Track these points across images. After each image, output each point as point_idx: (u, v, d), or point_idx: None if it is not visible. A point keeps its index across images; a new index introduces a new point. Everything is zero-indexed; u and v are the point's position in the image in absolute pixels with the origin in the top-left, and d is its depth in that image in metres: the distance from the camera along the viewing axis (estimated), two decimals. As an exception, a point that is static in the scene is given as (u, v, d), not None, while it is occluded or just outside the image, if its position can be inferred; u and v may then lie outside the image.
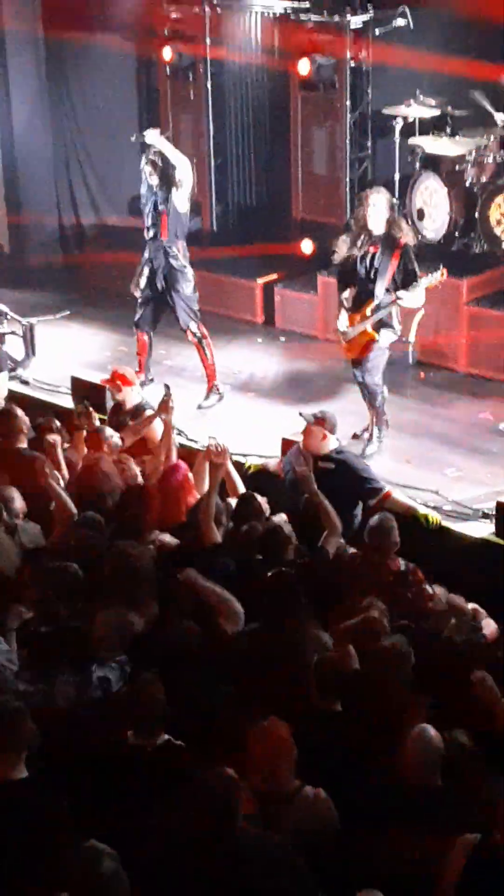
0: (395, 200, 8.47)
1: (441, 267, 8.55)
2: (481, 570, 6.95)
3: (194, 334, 9.59)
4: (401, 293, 8.25)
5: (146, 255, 9.68)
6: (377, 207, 8.22)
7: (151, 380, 9.78)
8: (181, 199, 9.44)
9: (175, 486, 7.45)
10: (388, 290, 8.27)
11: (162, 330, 10.00)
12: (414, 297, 8.38)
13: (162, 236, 9.51)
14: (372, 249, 8.25)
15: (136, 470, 7.57)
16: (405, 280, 8.28)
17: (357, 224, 8.37)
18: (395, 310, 8.38)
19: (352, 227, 8.53)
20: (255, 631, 5.76)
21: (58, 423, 8.06)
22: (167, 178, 9.45)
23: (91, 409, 8.18)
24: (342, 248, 8.45)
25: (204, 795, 4.23)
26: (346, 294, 8.45)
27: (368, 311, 8.27)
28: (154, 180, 9.49)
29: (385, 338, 8.36)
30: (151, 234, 9.59)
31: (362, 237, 8.28)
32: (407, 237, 8.32)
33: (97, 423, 8.18)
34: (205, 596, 5.83)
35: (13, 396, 9.46)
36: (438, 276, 8.46)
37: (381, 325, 8.32)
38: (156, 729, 4.81)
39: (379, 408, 8.52)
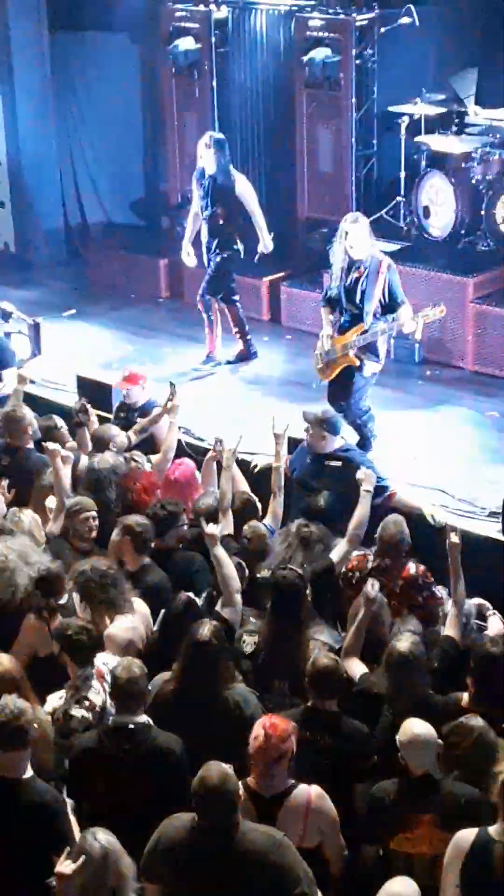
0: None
1: (441, 304, 8.37)
2: (487, 568, 6.93)
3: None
4: (402, 318, 7.99)
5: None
6: (358, 237, 7.99)
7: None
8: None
9: (181, 483, 7.46)
10: (375, 315, 8.03)
11: (159, 326, 10.01)
12: (414, 325, 8.09)
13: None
14: (356, 274, 8.07)
15: (148, 467, 7.58)
16: (390, 302, 8.01)
17: (337, 258, 8.21)
18: (382, 339, 8.16)
19: (332, 263, 8.29)
20: (258, 629, 5.77)
21: (60, 422, 8.07)
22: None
23: (89, 406, 8.17)
24: (333, 282, 8.30)
25: (203, 791, 4.23)
26: (332, 318, 8.35)
27: (355, 337, 8.03)
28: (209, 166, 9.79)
29: (368, 368, 8.14)
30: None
31: (347, 265, 8.12)
32: (388, 260, 8.17)
33: (95, 420, 8.17)
34: (215, 563, 5.89)
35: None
36: (437, 311, 8.22)
37: (364, 351, 8.08)
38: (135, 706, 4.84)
39: (368, 429, 8.28)
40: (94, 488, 7.08)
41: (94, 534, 6.70)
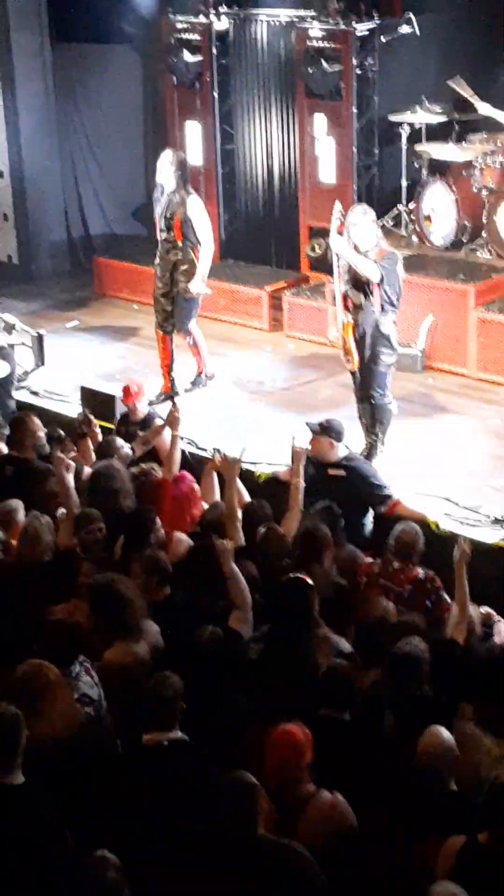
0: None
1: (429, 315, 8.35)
2: (492, 575, 6.93)
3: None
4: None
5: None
6: (362, 228, 7.98)
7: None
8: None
9: (181, 497, 7.46)
10: (383, 308, 7.98)
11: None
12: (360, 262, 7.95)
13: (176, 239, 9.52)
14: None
15: (159, 475, 7.59)
16: (389, 290, 8.00)
17: (337, 267, 8.19)
18: (394, 330, 8.15)
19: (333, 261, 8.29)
20: (266, 636, 5.76)
21: (61, 433, 8.08)
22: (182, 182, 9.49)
23: (92, 417, 8.18)
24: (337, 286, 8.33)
25: (223, 800, 4.24)
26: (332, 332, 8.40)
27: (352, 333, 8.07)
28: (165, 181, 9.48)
29: (385, 360, 8.16)
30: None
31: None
32: (390, 249, 8.17)
33: (98, 430, 8.19)
34: (227, 578, 5.87)
35: (25, 407, 9.49)
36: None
37: (375, 344, 8.04)
38: (170, 723, 4.82)
39: (386, 423, 8.33)
40: (101, 495, 7.08)
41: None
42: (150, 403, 9.06)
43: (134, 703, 5.05)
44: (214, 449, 7.40)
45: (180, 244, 9.49)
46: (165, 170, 9.49)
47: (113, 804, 4.64)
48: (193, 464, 8.38)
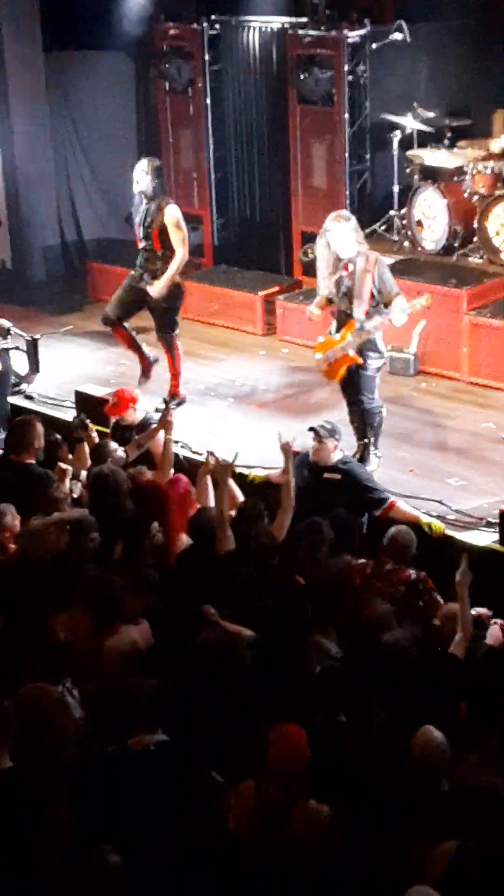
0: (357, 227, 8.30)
1: (427, 294, 8.46)
2: (485, 578, 6.97)
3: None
4: (392, 312, 8.01)
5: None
6: (341, 235, 8.02)
7: (156, 360, 9.84)
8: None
9: (176, 499, 7.50)
10: (367, 313, 8.05)
11: (156, 341, 10.03)
12: (401, 316, 8.09)
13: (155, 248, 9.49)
14: (345, 272, 8.11)
15: (148, 478, 7.63)
16: (384, 296, 8.06)
17: (321, 257, 8.22)
18: (380, 334, 8.18)
19: (318, 270, 8.35)
20: (260, 640, 5.80)
21: (58, 437, 8.11)
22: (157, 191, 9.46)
23: (88, 421, 8.22)
24: (322, 285, 8.37)
25: (194, 800, 4.27)
26: (313, 308, 8.40)
27: (349, 336, 8.09)
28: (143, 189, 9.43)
29: (373, 364, 8.20)
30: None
31: (334, 264, 8.12)
32: (375, 254, 8.23)
33: (95, 435, 8.22)
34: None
35: (20, 412, 9.52)
36: (423, 301, 8.28)
37: (363, 348, 8.12)
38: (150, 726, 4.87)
39: (377, 427, 8.40)
40: (102, 498, 7.12)
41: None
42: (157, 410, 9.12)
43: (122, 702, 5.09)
44: (208, 452, 7.44)
45: (159, 253, 9.47)
46: (142, 178, 9.46)
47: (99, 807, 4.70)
48: (187, 467, 8.42)
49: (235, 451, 7.21)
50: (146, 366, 9.91)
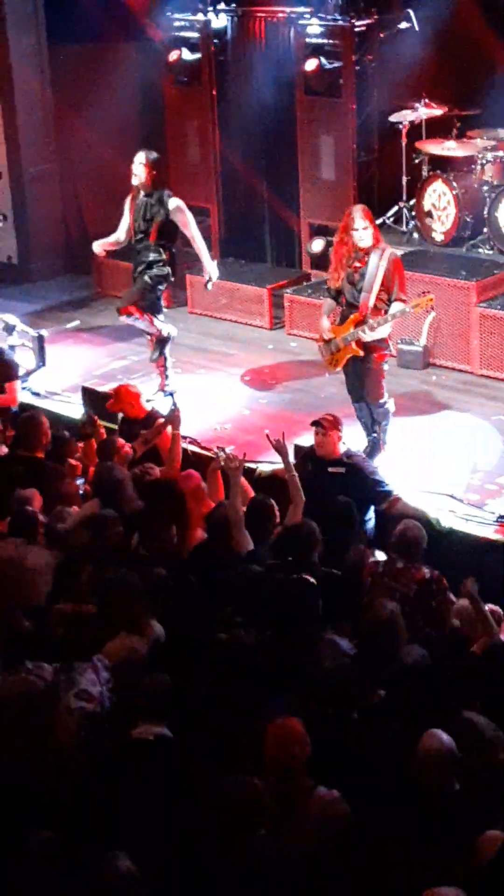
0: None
1: (429, 293, 8.39)
2: (496, 572, 6.90)
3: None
4: (380, 320, 7.92)
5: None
6: (366, 230, 7.93)
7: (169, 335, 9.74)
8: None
9: (189, 495, 7.43)
10: (375, 306, 7.98)
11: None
12: (387, 328, 8.06)
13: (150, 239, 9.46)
14: (359, 264, 8.02)
15: (156, 474, 7.57)
16: (393, 294, 7.98)
17: (339, 248, 8.16)
18: (386, 328, 8.10)
19: (333, 260, 8.23)
20: (272, 637, 5.73)
21: (66, 434, 8.07)
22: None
23: (96, 417, 8.16)
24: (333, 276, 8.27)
25: (227, 803, 4.21)
26: (327, 307, 8.33)
27: (353, 328, 7.99)
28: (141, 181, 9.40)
29: (377, 358, 8.10)
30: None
31: (351, 256, 8.04)
32: (391, 249, 8.16)
33: (103, 431, 8.17)
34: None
35: (27, 408, 9.47)
36: (425, 300, 8.21)
37: (367, 342, 8.02)
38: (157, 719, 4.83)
39: (385, 422, 8.32)
40: (103, 494, 7.06)
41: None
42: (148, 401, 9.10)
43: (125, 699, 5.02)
44: (218, 448, 7.37)
45: (153, 244, 9.44)
46: (139, 171, 9.39)
47: (108, 799, 4.64)
48: (195, 462, 8.35)
49: (243, 451, 7.15)
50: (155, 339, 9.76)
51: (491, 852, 4.25)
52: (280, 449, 7.24)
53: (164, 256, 9.48)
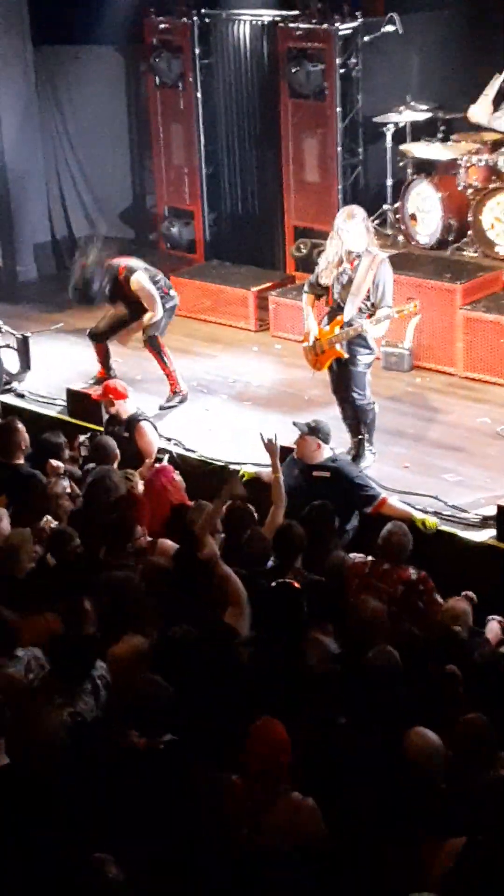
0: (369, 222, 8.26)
1: (415, 300, 8.43)
2: (482, 574, 6.92)
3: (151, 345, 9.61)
4: (366, 324, 7.95)
5: None
6: (352, 232, 7.95)
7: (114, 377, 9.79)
8: None
9: (158, 489, 7.43)
10: (360, 310, 8.00)
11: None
12: (379, 329, 8.08)
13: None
14: (349, 265, 8.02)
15: (139, 484, 7.58)
16: (378, 301, 8.00)
17: (331, 248, 8.12)
18: (378, 329, 8.08)
19: (320, 261, 8.28)
20: (257, 639, 5.73)
21: (64, 439, 8.04)
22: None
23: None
24: (322, 267, 8.27)
25: (203, 801, 4.21)
26: (307, 300, 8.33)
27: (337, 329, 8.01)
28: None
29: (363, 360, 8.12)
30: None
31: (341, 256, 8.04)
32: (382, 254, 8.17)
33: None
34: (221, 580, 5.88)
35: (11, 410, 9.45)
36: (411, 307, 8.25)
37: (353, 343, 8.04)
38: (160, 728, 4.80)
39: (370, 424, 8.34)
40: (97, 500, 7.05)
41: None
42: (162, 408, 9.33)
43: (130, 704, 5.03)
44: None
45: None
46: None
47: (102, 806, 4.62)
48: (180, 464, 8.36)
49: (227, 453, 7.14)
50: (103, 376, 9.84)
51: (451, 859, 4.25)
52: (271, 449, 7.25)
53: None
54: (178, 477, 7.67)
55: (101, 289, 9.44)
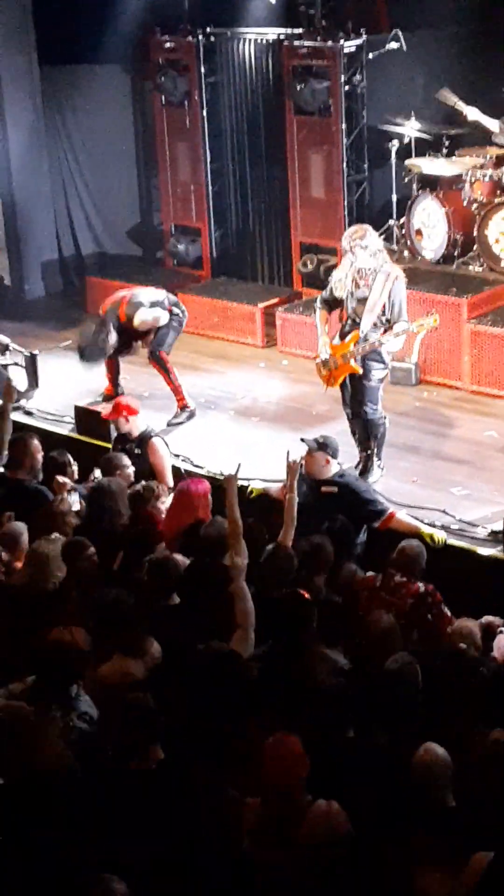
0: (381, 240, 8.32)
1: (434, 313, 8.48)
2: (490, 588, 6.91)
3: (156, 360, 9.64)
4: (385, 338, 8.03)
5: None
6: (363, 250, 8.01)
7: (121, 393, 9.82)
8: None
9: (187, 502, 7.37)
10: (375, 325, 8.06)
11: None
12: (397, 342, 8.17)
13: None
14: (363, 281, 8.08)
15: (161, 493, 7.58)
16: (392, 315, 8.06)
17: (345, 263, 8.15)
18: (395, 343, 8.18)
19: (333, 274, 8.34)
20: (266, 653, 5.73)
21: (69, 458, 8.05)
22: None
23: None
24: (336, 279, 8.31)
25: (208, 817, 4.21)
26: (321, 317, 8.37)
27: (353, 346, 8.06)
28: None
29: (376, 374, 8.17)
30: None
31: (355, 272, 8.10)
32: (397, 271, 8.23)
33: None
34: (236, 596, 5.84)
35: (20, 427, 9.47)
36: (431, 321, 8.30)
37: (367, 358, 8.11)
38: (149, 750, 4.79)
39: (380, 438, 8.36)
40: (97, 511, 7.06)
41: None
42: (170, 424, 9.36)
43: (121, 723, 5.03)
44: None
45: None
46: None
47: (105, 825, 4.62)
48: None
49: (238, 462, 7.11)
50: (110, 393, 9.91)
51: (476, 874, 4.22)
52: (292, 470, 7.20)
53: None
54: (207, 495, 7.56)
55: (108, 339, 9.45)
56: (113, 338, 9.46)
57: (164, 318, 9.47)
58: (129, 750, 4.79)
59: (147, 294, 9.62)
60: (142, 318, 9.44)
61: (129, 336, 9.59)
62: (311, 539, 6.71)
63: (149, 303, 9.51)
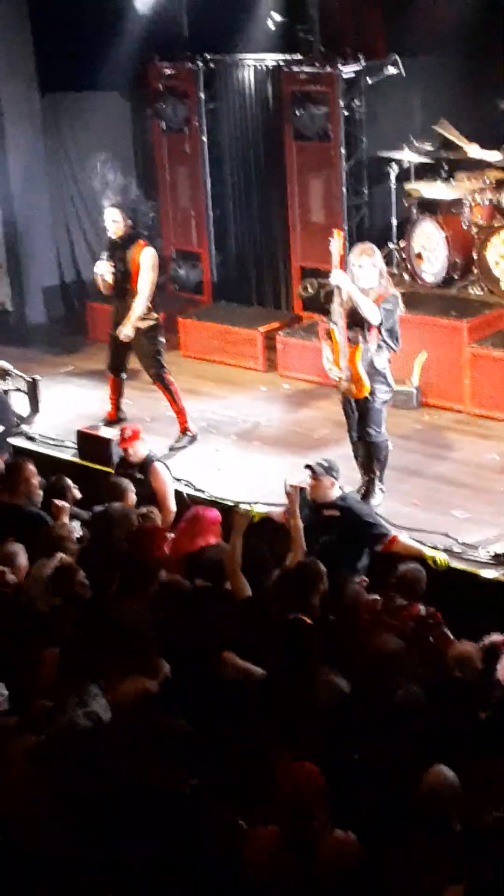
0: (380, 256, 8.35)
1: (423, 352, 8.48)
2: (492, 610, 6.90)
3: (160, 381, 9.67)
4: (372, 349, 8.05)
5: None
6: (365, 269, 8.05)
7: (123, 419, 9.88)
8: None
9: (200, 529, 7.37)
10: (379, 345, 8.08)
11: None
12: (381, 357, 8.15)
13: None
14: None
15: (158, 519, 7.59)
16: (388, 334, 8.10)
17: (339, 296, 8.19)
18: (387, 365, 8.19)
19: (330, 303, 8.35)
20: (269, 677, 5.72)
21: (69, 482, 8.05)
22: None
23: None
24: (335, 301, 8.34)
25: (211, 844, 4.19)
26: (328, 329, 8.40)
27: (359, 362, 8.06)
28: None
29: (381, 396, 8.20)
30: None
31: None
32: (392, 289, 8.25)
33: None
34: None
35: (21, 452, 9.48)
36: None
37: (371, 376, 8.12)
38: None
39: (383, 461, 8.37)
40: (99, 534, 7.07)
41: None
42: (172, 448, 9.39)
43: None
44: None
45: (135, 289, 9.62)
46: (117, 227, 9.73)
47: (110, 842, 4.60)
48: (190, 505, 8.36)
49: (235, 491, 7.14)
50: (112, 417, 9.99)
51: None
52: (292, 499, 7.21)
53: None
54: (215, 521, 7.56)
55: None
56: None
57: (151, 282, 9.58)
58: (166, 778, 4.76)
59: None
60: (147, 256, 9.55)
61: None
62: (301, 560, 6.72)
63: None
